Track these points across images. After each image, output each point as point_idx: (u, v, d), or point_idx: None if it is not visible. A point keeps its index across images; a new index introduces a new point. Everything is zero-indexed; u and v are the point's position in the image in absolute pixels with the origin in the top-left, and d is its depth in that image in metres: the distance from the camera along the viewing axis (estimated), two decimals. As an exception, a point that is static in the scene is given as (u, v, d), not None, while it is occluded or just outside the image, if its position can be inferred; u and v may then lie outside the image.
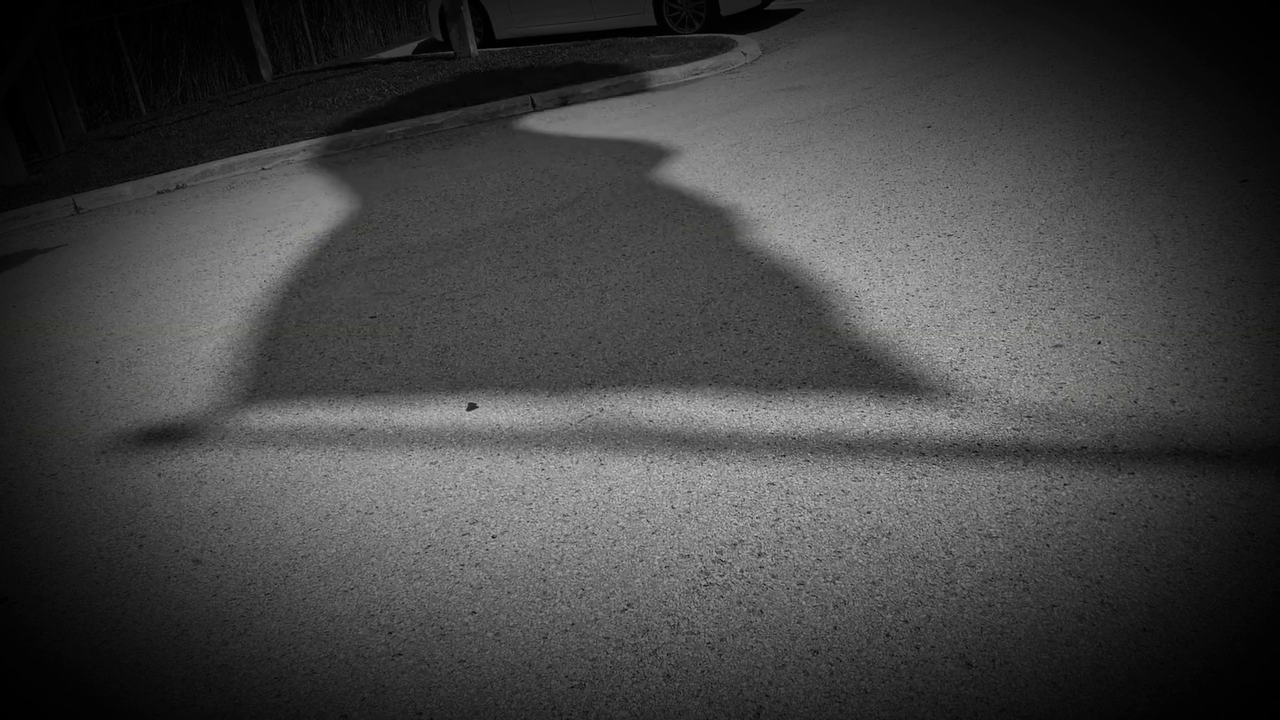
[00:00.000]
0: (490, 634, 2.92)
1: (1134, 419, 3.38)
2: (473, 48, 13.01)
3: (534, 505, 3.50)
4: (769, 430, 3.69)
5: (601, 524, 3.33)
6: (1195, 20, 8.67)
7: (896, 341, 4.16)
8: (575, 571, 3.12)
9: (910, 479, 3.27)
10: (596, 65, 11.03)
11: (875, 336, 4.23)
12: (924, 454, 3.39)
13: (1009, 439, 3.39)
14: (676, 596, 2.94)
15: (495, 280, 5.61)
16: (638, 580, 3.03)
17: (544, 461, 3.76)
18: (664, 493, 3.43)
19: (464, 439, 4.02)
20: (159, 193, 9.29)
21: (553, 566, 3.16)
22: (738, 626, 2.78)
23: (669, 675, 2.65)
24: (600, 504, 3.43)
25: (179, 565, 3.53)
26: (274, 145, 9.85)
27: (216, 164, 9.52)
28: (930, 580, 2.82)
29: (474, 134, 9.42)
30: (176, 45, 13.97)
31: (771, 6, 14.04)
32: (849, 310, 4.50)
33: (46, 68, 11.89)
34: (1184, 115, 6.25)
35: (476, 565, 3.24)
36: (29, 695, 3.03)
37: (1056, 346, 3.92)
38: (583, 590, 3.03)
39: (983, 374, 3.81)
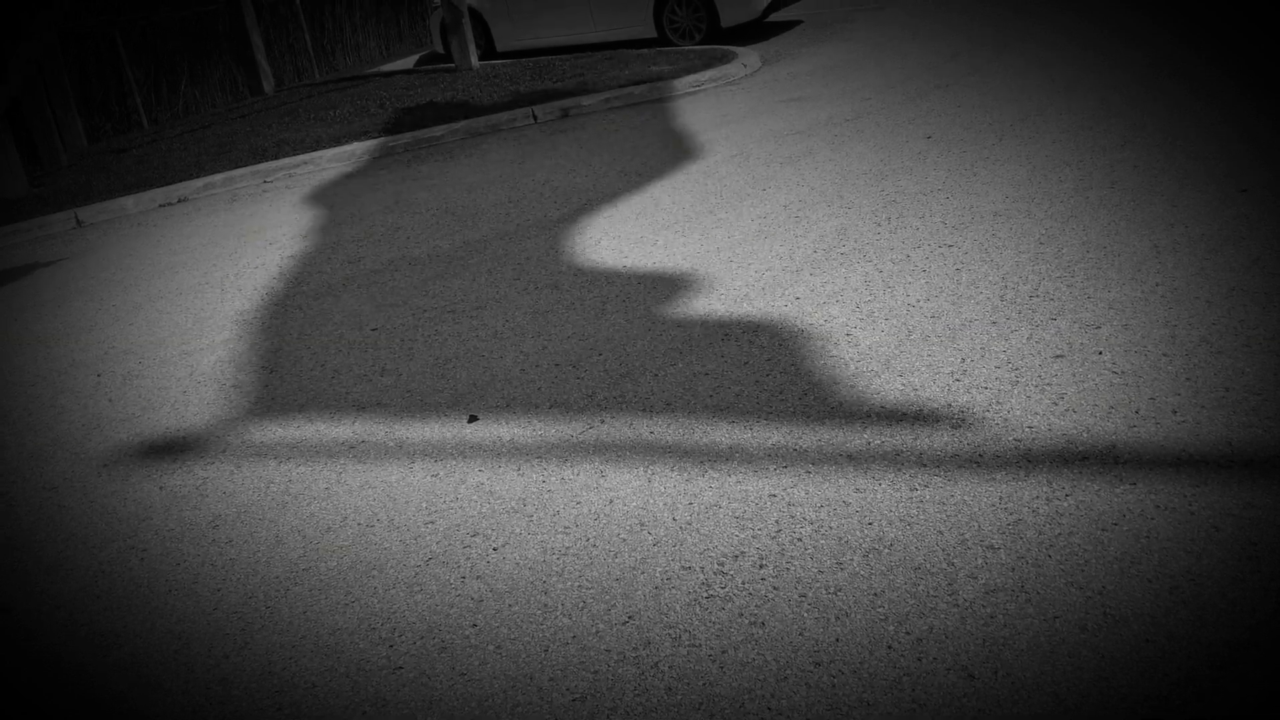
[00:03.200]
0: (491, 647, 2.92)
1: (1136, 429, 3.38)
2: (474, 60, 13.04)
3: (535, 517, 3.49)
4: (770, 441, 3.69)
5: (603, 536, 3.32)
6: (1195, 20, 8.69)
7: (898, 352, 4.16)
8: (576, 584, 3.12)
9: (912, 490, 3.27)
10: (597, 77, 11.06)
11: (876, 347, 4.23)
12: (925, 465, 3.38)
13: (1011, 450, 3.39)
14: (678, 609, 2.93)
15: (496, 292, 5.62)
16: (639, 592, 3.03)
17: (545, 473, 3.76)
18: (665, 504, 3.43)
19: (465, 451, 4.02)
20: (161, 206, 9.31)
21: (554, 579, 3.16)
22: (739, 639, 2.77)
23: (670, 688, 2.65)
24: (601, 516, 3.43)
25: (180, 578, 3.53)
26: (276, 158, 9.87)
27: (218, 177, 9.54)
28: (932, 592, 2.81)
29: (475, 146, 9.44)
30: (178, 59, 14.01)
31: (772, 18, 14.08)
32: (850, 321, 4.50)
33: (49, 81, 11.92)
34: (1184, 120, 6.26)
35: (477, 578, 3.23)
36: (31, 706, 3.03)
37: (1058, 357, 3.91)
38: (584, 603, 3.03)
39: (984, 384, 3.81)
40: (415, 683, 2.83)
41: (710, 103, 9.53)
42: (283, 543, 3.63)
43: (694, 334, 4.66)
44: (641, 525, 3.34)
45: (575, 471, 3.73)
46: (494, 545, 3.38)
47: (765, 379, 4.14)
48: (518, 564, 3.26)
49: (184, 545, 3.73)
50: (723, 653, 2.73)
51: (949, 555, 2.94)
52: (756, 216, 6.06)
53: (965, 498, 3.18)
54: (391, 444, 4.19)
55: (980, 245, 5.05)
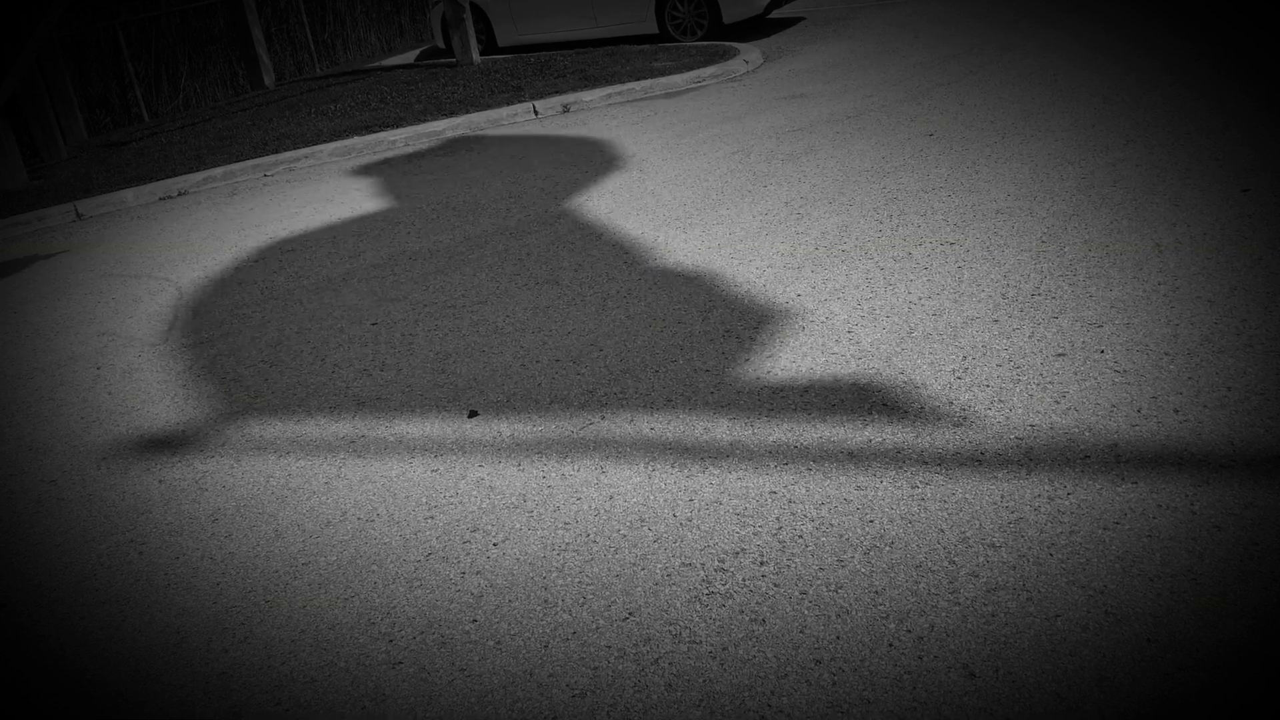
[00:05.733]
0: (491, 642, 2.91)
1: (1137, 428, 3.37)
2: (475, 55, 13.03)
3: (535, 513, 3.49)
4: (771, 438, 3.69)
5: (603, 532, 3.32)
6: (1203, 25, 8.68)
7: (899, 350, 4.15)
8: (577, 580, 3.11)
9: (913, 488, 3.26)
10: (599, 72, 11.04)
11: (878, 344, 4.22)
12: (927, 463, 3.38)
13: (1012, 448, 3.38)
14: (678, 605, 2.92)
15: (497, 287, 5.61)
16: (639, 589, 3.02)
17: (545, 469, 3.75)
18: (666, 501, 3.42)
19: (465, 446, 4.01)
20: (161, 199, 9.29)
21: (554, 575, 3.15)
22: (740, 636, 2.77)
23: (670, 685, 2.64)
24: (602, 512, 3.42)
25: (179, 572, 3.52)
26: (276, 152, 9.85)
27: (219, 170, 9.53)
28: (933, 590, 2.81)
29: (476, 141, 9.43)
30: (178, 52, 13.99)
31: (774, 15, 14.06)
32: (851, 318, 4.50)
33: (49, 74, 11.91)
34: (1187, 121, 6.25)
35: (477, 573, 3.23)
36: (27, 702, 3.02)
37: (1059, 355, 3.91)
38: (584, 598, 3.02)
39: (985, 382, 3.81)
40: (415, 678, 2.83)
41: (712, 99, 9.52)
42: (282, 537, 3.62)
43: (695, 330, 4.65)
44: (642, 521, 3.33)
45: (576, 467, 3.72)
46: (494, 541, 3.38)
47: (765, 376, 4.14)
48: (518, 559, 3.26)
49: (183, 539, 3.72)
50: (723, 650, 2.73)
51: (950, 553, 2.94)
52: (758, 213, 6.05)
53: (967, 496, 3.17)
54: (391, 439, 4.18)
55: (982, 243, 5.04)
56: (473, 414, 4.25)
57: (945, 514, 3.11)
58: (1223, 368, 3.64)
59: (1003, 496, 3.14)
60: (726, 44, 11.88)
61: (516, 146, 8.92)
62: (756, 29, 13.12)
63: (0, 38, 11.38)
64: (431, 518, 3.57)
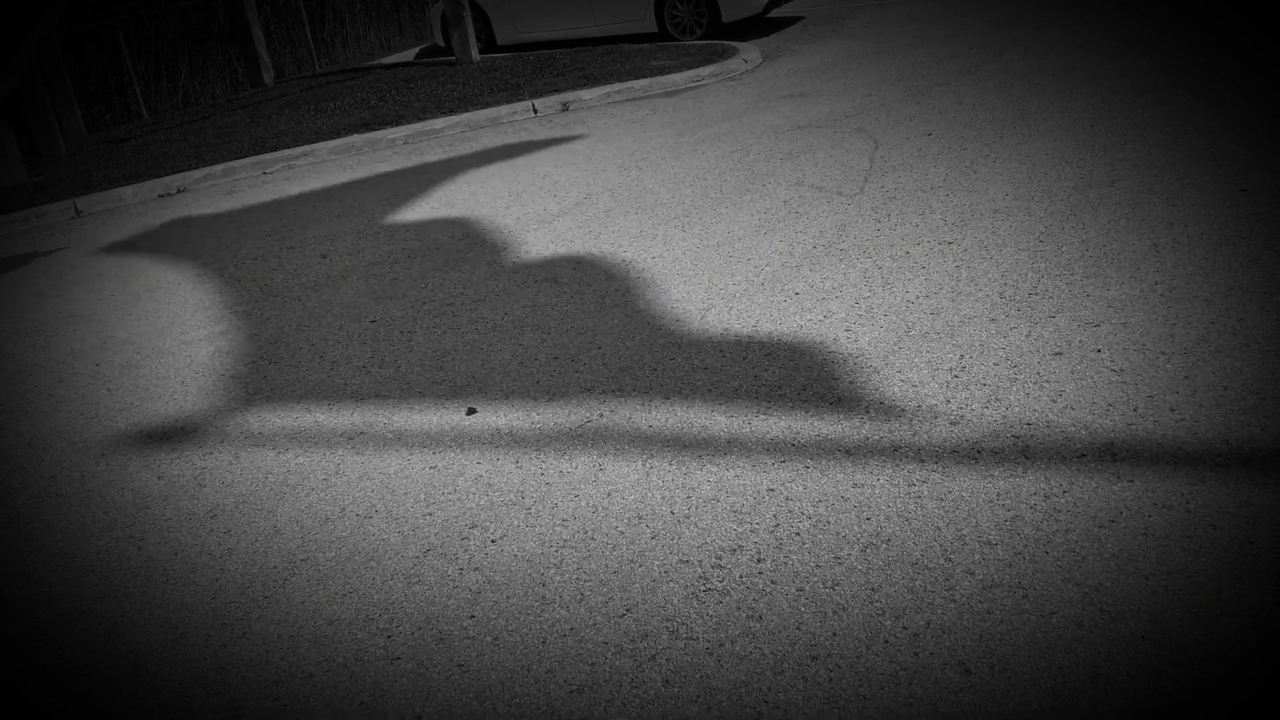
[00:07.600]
0: (489, 638, 2.92)
1: (1133, 427, 3.39)
2: (474, 53, 13.03)
3: (533, 510, 3.50)
4: (768, 436, 3.70)
5: (601, 529, 3.33)
6: (1202, 26, 8.68)
7: (897, 348, 4.16)
8: (574, 576, 3.12)
9: (910, 486, 3.27)
10: (598, 71, 11.04)
11: (875, 343, 4.23)
12: (924, 461, 3.39)
13: (1009, 446, 3.39)
14: (675, 602, 2.93)
15: (496, 285, 5.61)
16: (636, 585, 3.03)
17: (543, 466, 3.76)
18: (663, 498, 3.43)
19: (463, 443, 4.02)
20: (160, 196, 9.29)
21: (552, 571, 3.16)
22: (736, 632, 2.78)
23: (667, 681, 2.65)
24: (599, 509, 3.43)
25: (177, 568, 3.53)
26: (275, 149, 9.86)
27: (218, 168, 9.53)
28: (929, 587, 2.82)
29: (475, 140, 9.44)
30: (178, 49, 13.99)
31: (773, 14, 14.06)
32: (849, 316, 4.51)
33: (48, 72, 11.90)
34: (1185, 121, 6.26)
35: (475, 569, 3.23)
36: (27, 698, 3.03)
37: (1056, 354, 3.92)
38: (581, 595, 3.03)
39: (982, 381, 3.82)
40: (413, 674, 2.84)
41: (711, 98, 9.53)
42: (281, 533, 3.63)
43: (692, 328, 4.66)
44: (639, 518, 3.34)
45: (573, 464, 3.73)
46: (492, 537, 3.39)
47: (763, 374, 4.15)
48: (516, 556, 3.27)
49: (182, 535, 3.73)
50: (720, 646, 2.74)
51: (946, 551, 2.95)
52: (756, 211, 6.06)
53: (963, 494, 3.18)
54: (390, 435, 4.19)
55: (980, 242, 5.06)
56: (471, 411, 4.26)
57: (942, 512, 3.12)
58: (1219, 367, 3.65)
59: (999, 494, 3.15)
60: (725, 43, 11.88)
61: (516, 145, 8.92)
62: (756, 28, 13.13)
63: (0, 37, 11.37)
64: (430, 514, 3.58)
